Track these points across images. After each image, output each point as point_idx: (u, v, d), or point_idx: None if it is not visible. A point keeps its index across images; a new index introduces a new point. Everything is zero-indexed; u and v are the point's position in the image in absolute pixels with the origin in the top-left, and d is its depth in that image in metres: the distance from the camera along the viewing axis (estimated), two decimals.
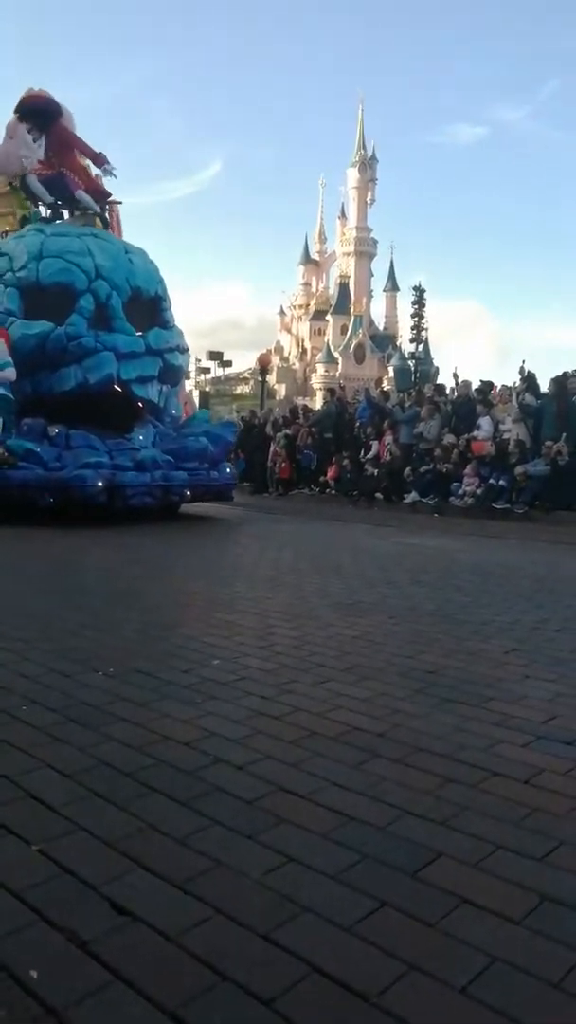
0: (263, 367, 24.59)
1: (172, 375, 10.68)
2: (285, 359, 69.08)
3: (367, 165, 66.59)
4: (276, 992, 1.24)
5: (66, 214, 11.46)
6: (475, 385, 12.89)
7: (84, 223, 10.97)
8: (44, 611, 4.07)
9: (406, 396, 14.96)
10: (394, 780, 2.06)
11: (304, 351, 69.84)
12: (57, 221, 11.48)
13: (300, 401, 37.36)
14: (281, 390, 60.49)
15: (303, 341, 70.85)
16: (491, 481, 11.32)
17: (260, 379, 25.50)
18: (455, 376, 13.80)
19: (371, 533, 8.90)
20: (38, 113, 10.88)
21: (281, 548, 7.30)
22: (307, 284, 73.73)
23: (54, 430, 9.08)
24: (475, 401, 12.40)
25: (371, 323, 65.68)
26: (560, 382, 11.29)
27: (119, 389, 9.54)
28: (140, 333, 9.85)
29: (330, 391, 17.26)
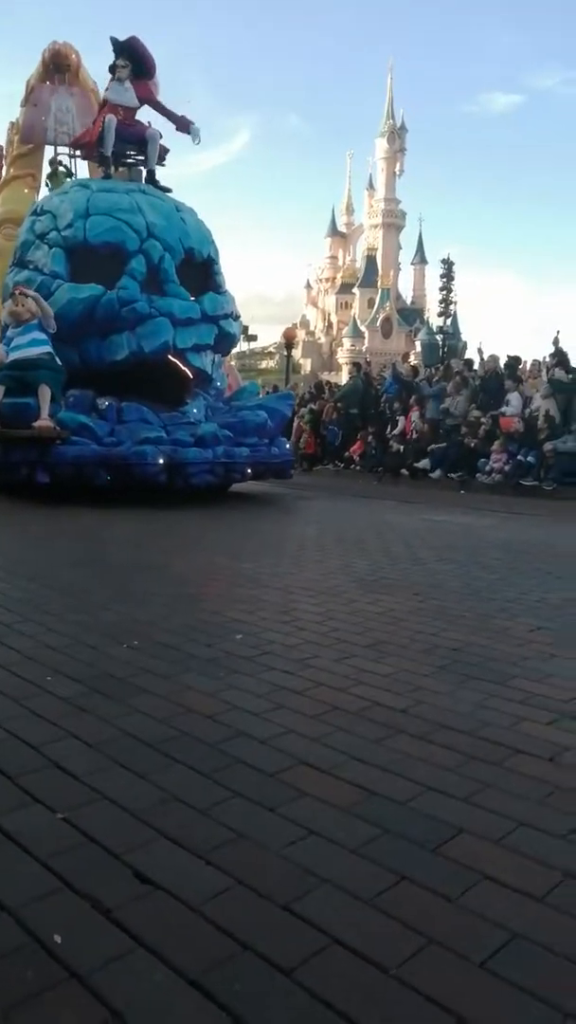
0: (288, 342, 24.45)
1: (226, 343, 9.92)
2: (311, 333, 68.72)
3: (396, 135, 65.54)
4: (296, 962, 1.25)
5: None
6: (503, 360, 12.73)
7: (130, 178, 10.21)
8: (71, 583, 4.11)
9: (433, 371, 14.81)
10: (416, 756, 2.06)
11: (330, 325, 69.41)
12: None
13: (325, 376, 37.17)
14: (306, 365, 60.26)
15: (329, 315, 70.38)
16: (519, 458, 11.20)
17: (285, 354, 25.39)
18: (480, 351, 13.64)
19: (396, 509, 8.87)
20: (137, 58, 10.04)
21: (306, 524, 7.30)
22: (334, 257, 73.08)
23: (104, 403, 8.42)
24: (503, 376, 12.25)
25: (399, 297, 65.00)
26: None
27: (173, 359, 8.80)
28: (193, 298, 9.07)
29: (356, 366, 17.13)
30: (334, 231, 73.71)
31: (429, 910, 1.41)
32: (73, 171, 14.82)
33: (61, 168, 15.00)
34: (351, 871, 1.52)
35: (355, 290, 65.05)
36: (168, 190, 10.05)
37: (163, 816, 1.70)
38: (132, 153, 10.41)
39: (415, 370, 15.63)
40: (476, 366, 13.56)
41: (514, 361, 12.66)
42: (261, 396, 11.46)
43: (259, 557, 5.17)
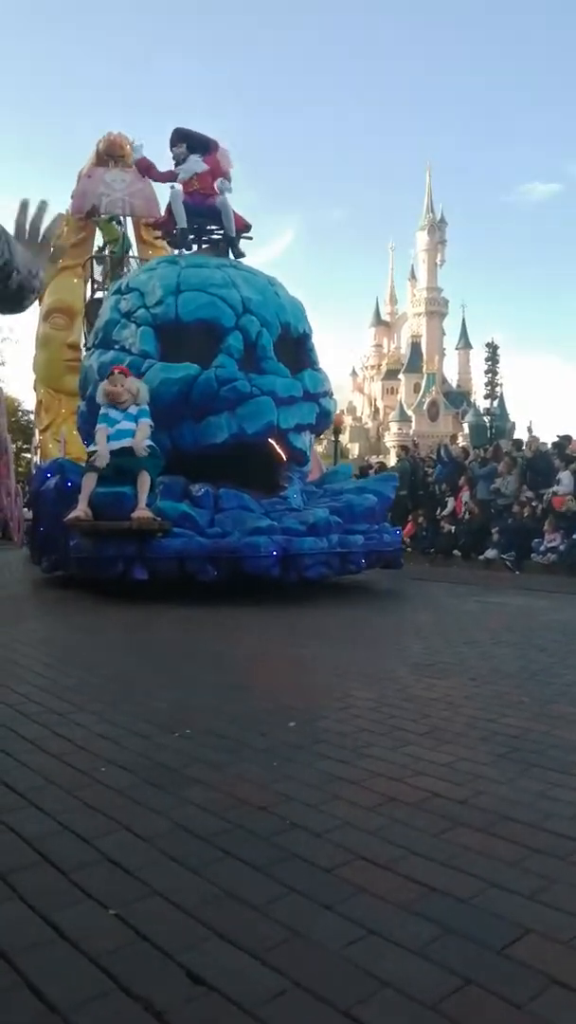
0: (336, 427, 24.82)
1: (325, 422, 9.33)
2: (358, 419, 69.75)
3: (436, 228, 67.76)
4: None
5: (195, 248, 10.28)
6: (550, 439, 12.75)
7: (216, 254, 9.94)
8: (122, 672, 4.13)
9: (482, 451, 14.84)
10: (477, 850, 1.98)
11: (377, 410, 70.41)
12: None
13: (374, 460, 37.43)
14: (354, 449, 60.87)
15: (375, 401, 71.51)
16: (574, 537, 11.03)
17: (333, 439, 25.75)
18: (529, 430, 13.70)
19: (449, 591, 8.75)
20: (190, 137, 10.02)
21: (356, 607, 7.24)
22: (378, 345, 74.79)
23: (199, 489, 7.74)
24: (552, 456, 12.21)
25: (444, 381, 65.81)
26: None
27: (271, 441, 8.21)
28: (292, 375, 8.55)
29: (403, 448, 17.25)
30: (378, 320, 75.65)
31: (497, 1017, 1.33)
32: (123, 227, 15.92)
33: (111, 222, 16.04)
34: (413, 973, 1.45)
35: (401, 376, 66.09)
36: (242, 254, 9.88)
37: (217, 913, 1.66)
38: (213, 228, 10.10)
39: (465, 451, 15.68)
40: (525, 446, 13.58)
41: (564, 440, 12.63)
42: (354, 480, 10.77)
43: (311, 642, 5.13)
